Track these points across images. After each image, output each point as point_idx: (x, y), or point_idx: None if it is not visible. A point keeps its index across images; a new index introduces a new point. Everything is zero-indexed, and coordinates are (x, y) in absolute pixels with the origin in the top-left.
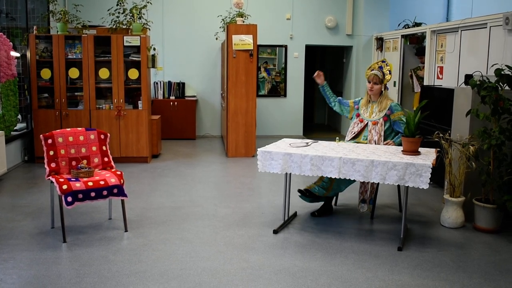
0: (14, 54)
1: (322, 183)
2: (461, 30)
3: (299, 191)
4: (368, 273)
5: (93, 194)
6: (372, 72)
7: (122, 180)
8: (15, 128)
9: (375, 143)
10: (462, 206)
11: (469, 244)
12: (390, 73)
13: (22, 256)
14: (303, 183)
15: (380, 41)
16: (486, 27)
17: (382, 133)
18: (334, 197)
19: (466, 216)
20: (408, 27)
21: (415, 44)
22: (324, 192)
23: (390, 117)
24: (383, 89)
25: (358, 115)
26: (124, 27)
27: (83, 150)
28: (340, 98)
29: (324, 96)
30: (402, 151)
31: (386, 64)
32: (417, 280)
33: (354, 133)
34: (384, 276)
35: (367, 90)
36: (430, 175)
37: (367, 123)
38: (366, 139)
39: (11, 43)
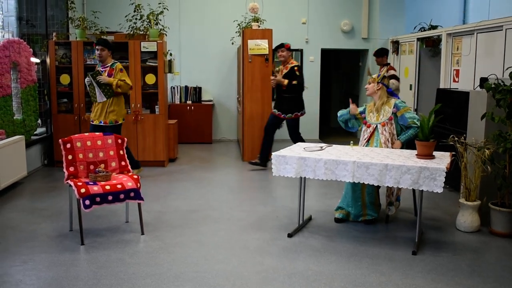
0: (34, 60)
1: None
2: (477, 33)
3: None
4: (382, 277)
5: (110, 197)
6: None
7: (138, 184)
8: (35, 132)
9: (390, 142)
10: (478, 210)
11: (485, 249)
12: (387, 72)
13: (41, 258)
14: (319, 187)
15: (396, 45)
16: (502, 30)
17: (395, 132)
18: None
19: (482, 220)
20: (424, 30)
21: (430, 47)
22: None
23: (396, 114)
24: (376, 88)
25: (365, 122)
26: (141, 33)
27: (101, 154)
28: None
29: (344, 119)
30: (416, 155)
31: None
32: (431, 284)
33: (366, 139)
34: (398, 280)
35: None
36: (444, 179)
37: (376, 126)
38: (378, 142)
39: (31, 49)
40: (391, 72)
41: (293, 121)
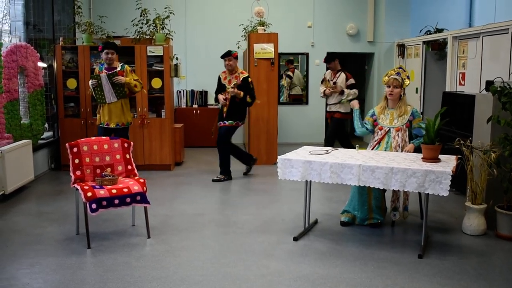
0: (41, 64)
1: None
2: (483, 36)
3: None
4: (388, 281)
5: (116, 201)
6: (391, 77)
7: (145, 188)
8: (42, 136)
9: (400, 148)
10: (484, 213)
11: (491, 252)
12: (408, 78)
13: (48, 261)
14: (324, 191)
15: (401, 48)
16: (508, 33)
17: (407, 139)
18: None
19: (488, 223)
20: (430, 33)
21: (436, 50)
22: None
23: (412, 123)
24: (402, 94)
25: (376, 124)
26: (148, 37)
27: (107, 158)
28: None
29: (357, 120)
30: (422, 158)
31: (403, 70)
32: None
33: (376, 140)
34: (404, 284)
35: (384, 96)
36: (450, 182)
37: (389, 130)
38: (388, 146)
39: (38, 54)
40: (351, 81)
41: (230, 128)
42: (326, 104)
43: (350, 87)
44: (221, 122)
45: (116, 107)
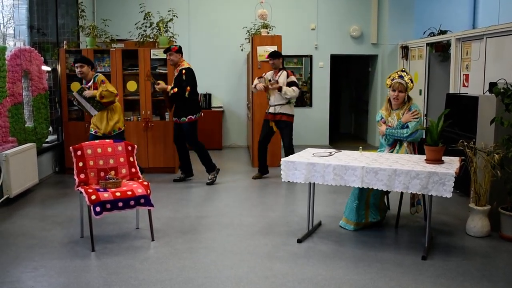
0: (45, 68)
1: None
2: (486, 38)
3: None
4: (392, 282)
5: (120, 204)
6: (395, 80)
7: (148, 191)
8: (46, 140)
9: (411, 145)
10: (488, 214)
11: (495, 253)
12: (412, 82)
13: (52, 264)
14: (328, 193)
15: (405, 50)
16: (511, 34)
17: None
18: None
19: (492, 225)
20: (434, 35)
21: (440, 52)
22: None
23: None
24: (405, 98)
25: (390, 126)
26: (151, 40)
27: (111, 161)
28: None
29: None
30: (425, 159)
31: (406, 73)
32: None
33: (391, 145)
34: (407, 285)
35: (387, 98)
36: (453, 184)
37: None
38: (402, 146)
39: (42, 57)
40: (292, 78)
41: (188, 125)
42: (269, 106)
43: (289, 84)
44: (176, 119)
45: (100, 117)
